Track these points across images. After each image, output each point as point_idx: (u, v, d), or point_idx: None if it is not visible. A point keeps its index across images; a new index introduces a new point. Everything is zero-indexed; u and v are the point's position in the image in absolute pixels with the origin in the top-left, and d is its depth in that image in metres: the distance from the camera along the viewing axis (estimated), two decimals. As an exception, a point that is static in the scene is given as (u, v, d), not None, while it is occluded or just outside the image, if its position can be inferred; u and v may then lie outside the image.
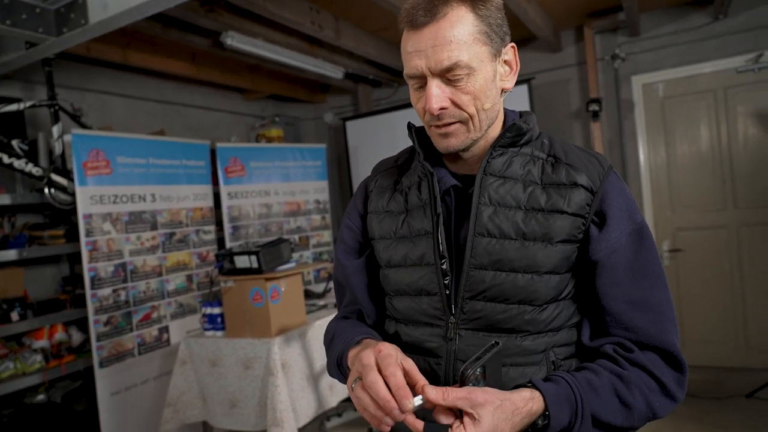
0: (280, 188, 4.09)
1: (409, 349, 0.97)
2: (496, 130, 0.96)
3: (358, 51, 3.76)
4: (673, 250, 3.98)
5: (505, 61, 0.92)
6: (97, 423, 2.78)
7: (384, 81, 4.75)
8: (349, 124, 4.76)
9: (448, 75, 0.85)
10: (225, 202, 3.74)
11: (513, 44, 0.93)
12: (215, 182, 3.71)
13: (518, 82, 3.98)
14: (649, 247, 0.90)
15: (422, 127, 1.00)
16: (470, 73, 0.85)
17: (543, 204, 0.89)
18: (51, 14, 2.37)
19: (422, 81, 0.88)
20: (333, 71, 4.06)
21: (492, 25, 0.87)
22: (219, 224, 3.72)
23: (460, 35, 0.84)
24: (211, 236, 3.52)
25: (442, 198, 0.95)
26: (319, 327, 2.69)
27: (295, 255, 3.92)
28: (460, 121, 0.89)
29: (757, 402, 3.26)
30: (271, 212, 4.01)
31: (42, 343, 2.91)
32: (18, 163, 2.80)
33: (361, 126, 4.69)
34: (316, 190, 4.33)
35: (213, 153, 3.71)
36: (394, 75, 4.71)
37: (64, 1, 2.33)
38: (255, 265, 2.49)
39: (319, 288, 3.58)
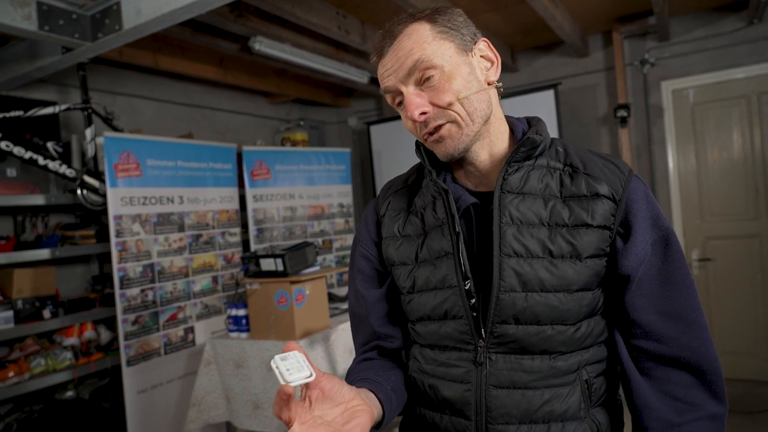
0: (305, 191, 4.12)
1: (437, 375, 0.94)
2: (501, 136, 0.94)
3: (383, 56, 3.77)
4: (702, 259, 3.89)
5: (482, 56, 0.91)
6: (124, 420, 2.83)
7: (408, 85, 4.75)
8: (374, 129, 4.77)
9: (419, 79, 0.86)
10: (250, 205, 3.78)
11: (485, 39, 0.92)
12: (241, 185, 3.75)
13: (544, 87, 3.96)
14: (676, 254, 0.87)
15: None
16: (439, 69, 0.85)
17: (566, 219, 0.87)
18: (87, 20, 2.43)
19: (399, 96, 0.89)
20: (358, 75, 4.08)
21: (453, 25, 0.88)
22: (244, 226, 3.76)
23: (418, 40, 0.86)
24: (237, 238, 3.56)
25: (462, 216, 0.92)
26: (342, 330, 2.69)
27: (319, 258, 3.94)
28: (448, 122, 0.87)
29: (791, 417, 3.16)
30: (296, 215, 4.04)
31: (72, 340, 2.97)
32: (53, 165, 2.87)
33: (385, 130, 4.70)
34: (340, 194, 4.35)
35: (239, 156, 3.75)
36: (419, 79, 4.70)
37: (100, 7, 2.39)
38: (280, 268, 2.51)
39: (342, 292, 3.59)
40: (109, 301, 3.06)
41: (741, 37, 3.69)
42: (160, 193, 3.10)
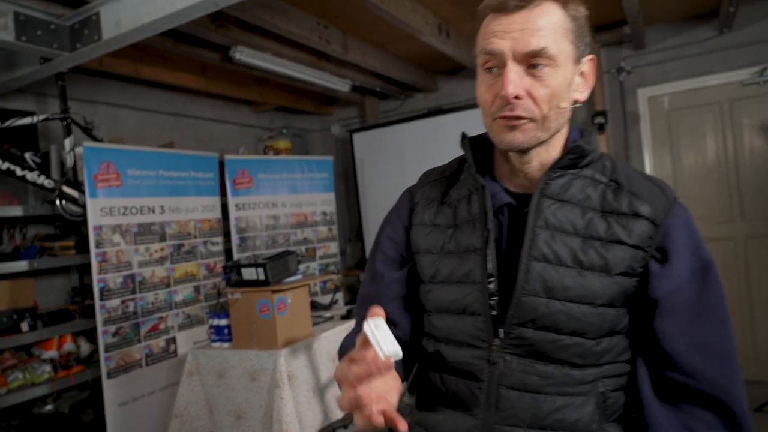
0: (288, 200, 4.12)
1: (448, 370, 0.93)
2: (556, 147, 0.91)
3: (365, 64, 3.80)
4: (680, 262, 3.97)
5: (582, 72, 0.89)
6: (105, 433, 2.79)
7: (391, 93, 4.79)
8: (356, 137, 4.79)
9: (531, 62, 0.81)
10: (233, 214, 3.77)
11: (593, 56, 0.89)
12: (223, 194, 3.75)
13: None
14: (715, 286, 0.85)
15: (476, 137, 0.98)
16: (553, 65, 0.82)
17: (602, 233, 0.85)
18: (65, 30, 2.42)
19: (498, 63, 0.83)
20: (340, 84, 4.10)
21: (579, 28, 0.85)
22: (227, 235, 3.75)
23: (551, 25, 0.81)
24: (219, 247, 3.55)
25: (494, 215, 0.91)
26: (325, 339, 2.70)
27: (302, 266, 3.93)
28: (530, 119, 0.84)
29: (766, 416, 3.22)
30: (279, 224, 4.04)
31: (51, 353, 2.93)
32: (30, 176, 2.84)
33: (368, 138, 4.72)
34: (323, 202, 4.36)
35: (221, 165, 3.75)
36: (401, 87, 4.75)
37: (79, 17, 2.38)
38: (262, 277, 2.51)
39: (325, 300, 3.59)
40: (89, 312, 3.03)
41: (713, 45, 3.79)
42: (141, 203, 3.08)
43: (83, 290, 3.30)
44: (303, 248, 4.16)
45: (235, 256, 3.72)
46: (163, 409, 3.02)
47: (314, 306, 3.18)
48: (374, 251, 1.07)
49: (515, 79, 0.81)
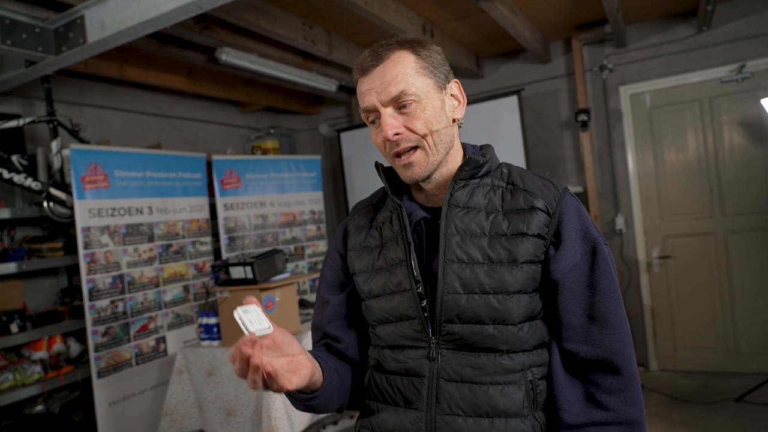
0: (276, 199, 4.15)
1: (394, 371, 1.02)
2: (456, 163, 1.04)
3: (350, 64, 3.83)
4: (662, 256, 4.05)
5: (452, 95, 1.03)
6: (95, 433, 2.82)
7: (377, 93, 4.82)
8: (344, 136, 4.83)
9: (398, 103, 0.96)
10: (221, 214, 3.80)
11: (456, 80, 1.04)
12: (211, 194, 3.77)
13: (509, 94, 4.08)
14: (602, 262, 0.96)
15: (390, 167, 1.08)
16: (418, 101, 0.95)
17: (505, 229, 0.97)
18: (50, 33, 2.44)
19: (377, 115, 0.98)
20: (326, 84, 4.13)
21: (433, 63, 0.99)
22: (215, 235, 3.78)
23: (403, 70, 0.96)
24: (207, 247, 3.58)
25: (414, 229, 1.03)
26: (313, 336, 2.74)
27: (291, 265, 3.97)
28: (417, 147, 0.97)
29: (746, 406, 3.31)
30: (267, 223, 4.07)
31: (41, 354, 2.95)
32: (18, 178, 2.85)
33: (356, 137, 4.76)
34: (311, 201, 4.40)
35: (209, 165, 3.77)
36: (388, 87, 4.78)
37: (63, 21, 2.40)
38: (250, 275, 2.55)
39: (314, 298, 3.63)
40: (79, 313, 3.05)
41: (692, 43, 3.86)
42: (128, 204, 3.10)
43: (72, 291, 3.32)
44: (292, 247, 4.19)
45: (224, 255, 3.74)
46: (153, 408, 3.05)
47: (303, 304, 3.22)
48: (320, 281, 1.19)
49: (391, 121, 0.96)
